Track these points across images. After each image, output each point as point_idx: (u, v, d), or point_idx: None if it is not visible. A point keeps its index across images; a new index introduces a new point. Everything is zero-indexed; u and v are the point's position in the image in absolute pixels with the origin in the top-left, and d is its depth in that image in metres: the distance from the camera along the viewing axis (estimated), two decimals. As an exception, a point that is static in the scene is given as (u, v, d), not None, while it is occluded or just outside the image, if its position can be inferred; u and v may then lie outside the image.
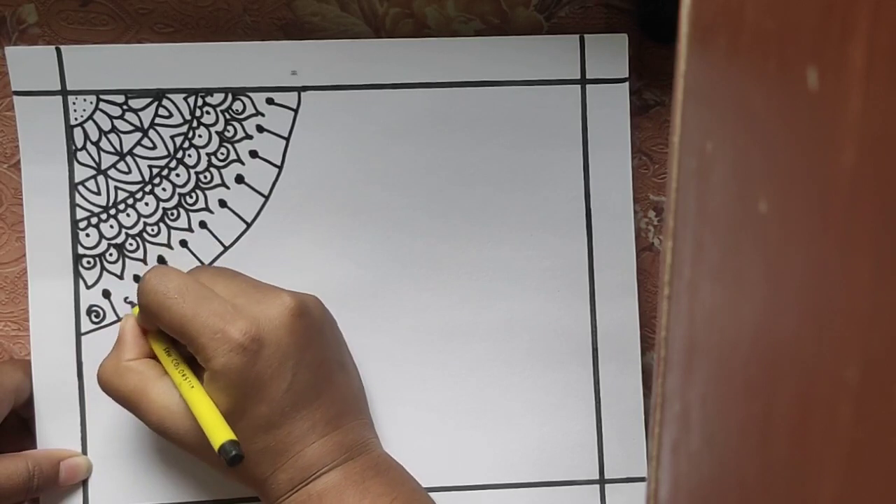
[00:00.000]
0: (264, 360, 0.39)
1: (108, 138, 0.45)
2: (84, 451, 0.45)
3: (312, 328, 0.41)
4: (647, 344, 0.48)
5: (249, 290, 0.41)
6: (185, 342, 0.40)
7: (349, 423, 0.42)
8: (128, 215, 0.46)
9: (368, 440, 0.43)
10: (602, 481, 0.47)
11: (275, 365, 0.39)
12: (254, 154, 0.46)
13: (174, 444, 0.41)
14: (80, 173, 0.45)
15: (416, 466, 0.45)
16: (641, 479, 0.47)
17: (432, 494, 0.44)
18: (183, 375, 0.40)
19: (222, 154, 0.46)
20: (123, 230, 0.46)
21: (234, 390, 0.39)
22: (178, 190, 0.46)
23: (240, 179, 0.46)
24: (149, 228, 0.46)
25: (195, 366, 0.41)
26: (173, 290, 0.40)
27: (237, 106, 0.46)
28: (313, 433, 0.40)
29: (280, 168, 0.46)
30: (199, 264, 0.46)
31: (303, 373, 0.40)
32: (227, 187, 0.46)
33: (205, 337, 0.39)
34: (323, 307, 0.43)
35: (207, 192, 0.46)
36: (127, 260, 0.46)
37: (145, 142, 0.45)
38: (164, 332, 0.41)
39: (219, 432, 0.38)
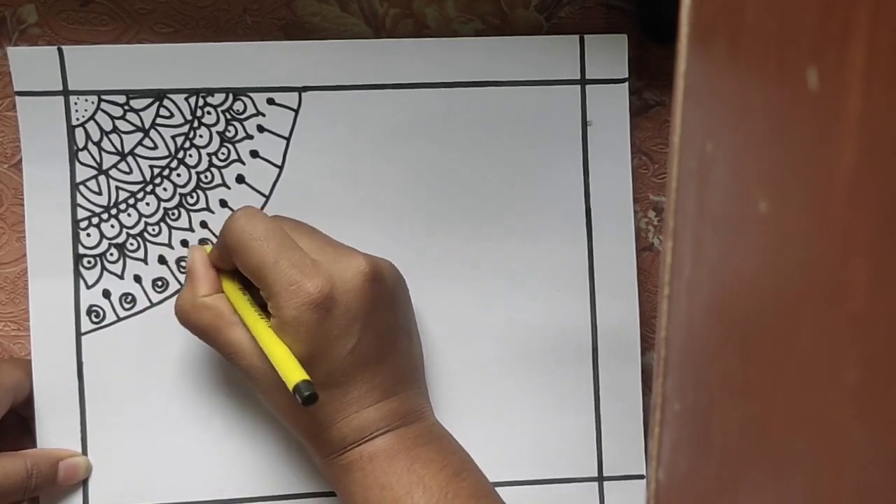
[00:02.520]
0: (333, 319, 0.40)
1: (109, 138, 0.45)
2: (84, 451, 0.45)
3: (384, 294, 0.41)
4: (647, 344, 0.48)
5: (327, 248, 0.42)
6: (259, 286, 0.40)
7: (407, 391, 0.43)
8: (129, 215, 0.46)
9: (423, 409, 0.44)
10: (601, 478, 0.47)
11: (342, 326, 0.40)
12: (254, 154, 0.46)
13: (243, 376, 0.42)
14: (82, 173, 0.45)
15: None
16: (640, 477, 0.47)
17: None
18: (259, 315, 0.41)
19: (223, 154, 0.46)
20: (124, 230, 0.46)
21: (299, 344, 0.39)
22: (178, 190, 0.46)
23: (240, 179, 0.46)
24: (150, 228, 0.46)
25: (265, 312, 0.41)
26: (260, 232, 0.40)
27: (238, 106, 0.46)
28: (370, 397, 0.41)
29: (281, 168, 0.46)
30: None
31: (368, 337, 0.40)
32: (228, 187, 0.46)
33: (280, 286, 0.39)
34: (397, 273, 0.43)
35: (208, 192, 0.46)
36: (127, 260, 0.46)
37: (146, 142, 0.45)
38: (237, 274, 0.42)
39: (293, 373, 0.38)
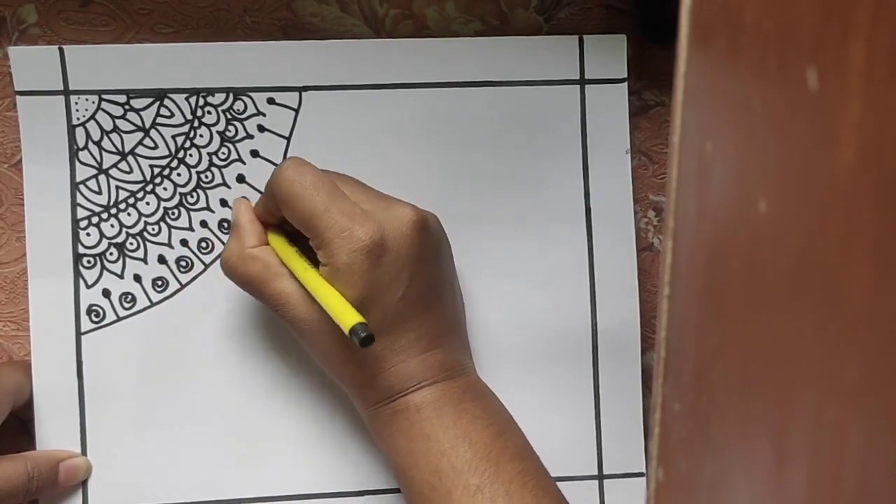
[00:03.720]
0: (384, 266, 0.40)
1: (109, 138, 0.45)
2: (83, 452, 0.45)
3: (431, 243, 0.42)
4: (647, 344, 0.48)
5: (374, 197, 0.42)
6: (309, 235, 0.40)
7: (451, 342, 0.43)
8: (129, 215, 0.46)
9: (466, 363, 0.44)
10: (601, 477, 0.47)
11: (393, 273, 0.40)
12: (255, 153, 0.46)
13: (289, 328, 0.42)
14: (82, 173, 0.45)
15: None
16: (640, 475, 0.47)
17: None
18: (308, 264, 0.41)
19: (223, 154, 0.46)
20: (124, 229, 0.46)
21: (350, 290, 0.39)
22: (179, 189, 0.46)
23: (241, 179, 0.46)
24: (149, 228, 0.46)
25: (313, 264, 0.41)
26: (310, 182, 0.40)
27: (238, 106, 0.46)
28: (418, 346, 0.41)
29: (280, 168, 0.46)
30: (201, 264, 0.46)
31: (417, 284, 0.41)
32: (229, 187, 0.46)
33: (332, 233, 0.39)
34: (440, 225, 0.43)
35: (208, 192, 0.46)
36: (127, 259, 0.46)
37: (147, 141, 0.46)
38: (281, 227, 0.43)
39: (348, 316, 0.38)
